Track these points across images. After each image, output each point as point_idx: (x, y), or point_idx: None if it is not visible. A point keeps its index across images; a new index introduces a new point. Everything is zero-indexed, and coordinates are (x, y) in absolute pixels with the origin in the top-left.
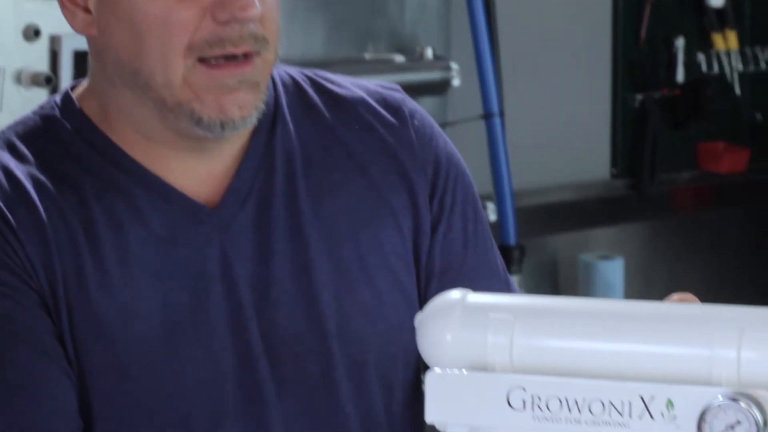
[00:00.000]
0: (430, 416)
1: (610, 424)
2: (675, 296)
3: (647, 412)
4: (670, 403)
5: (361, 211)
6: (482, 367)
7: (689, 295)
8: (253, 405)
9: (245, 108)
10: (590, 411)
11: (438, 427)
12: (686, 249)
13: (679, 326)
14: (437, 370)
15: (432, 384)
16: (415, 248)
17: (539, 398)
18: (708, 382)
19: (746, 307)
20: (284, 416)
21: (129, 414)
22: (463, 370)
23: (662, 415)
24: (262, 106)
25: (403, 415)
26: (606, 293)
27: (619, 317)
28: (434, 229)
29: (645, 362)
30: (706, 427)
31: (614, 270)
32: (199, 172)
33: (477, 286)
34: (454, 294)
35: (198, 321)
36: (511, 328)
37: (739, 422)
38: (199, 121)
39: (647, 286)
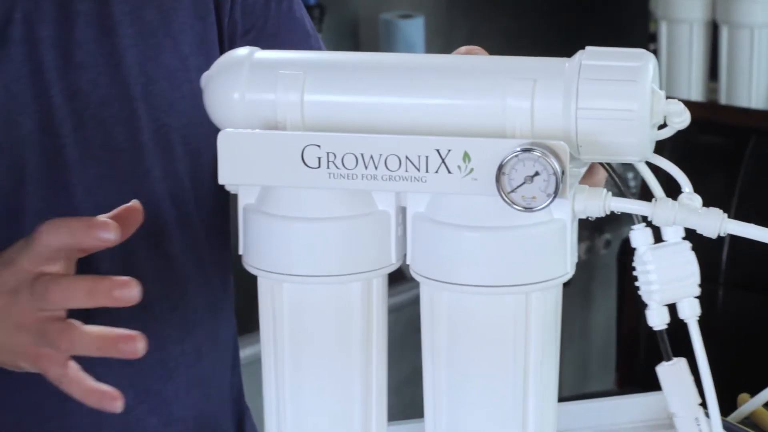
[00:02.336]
0: (223, 177)
1: (406, 179)
2: (462, 49)
3: (444, 166)
4: (466, 156)
5: None
6: (273, 127)
7: (477, 48)
8: (55, 170)
9: None
10: (386, 166)
11: (231, 189)
12: (487, 7)
13: (473, 78)
14: (228, 129)
15: (224, 144)
16: (217, 9)
17: (334, 155)
18: (502, 134)
19: (538, 58)
20: (87, 181)
21: None
22: (257, 130)
23: (459, 168)
24: None
25: (210, 180)
26: (407, 52)
27: (413, 70)
28: None
29: (438, 115)
30: (504, 180)
31: (415, 29)
32: None
33: (282, 46)
34: (241, 51)
35: None
36: (301, 85)
37: (537, 173)
38: None
39: (448, 45)
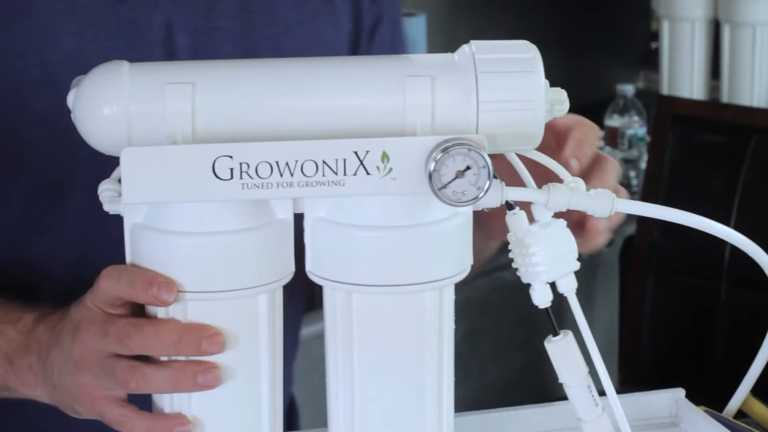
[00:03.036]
0: (128, 196)
1: (324, 184)
2: None
3: (362, 168)
4: (385, 157)
5: (308, 5)
6: (161, 141)
7: None
8: None
9: None
10: (303, 173)
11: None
12: (488, 5)
13: (371, 77)
14: (132, 147)
15: (127, 162)
16: (355, 42)
17: (247, 165)
18: (402, 132)
19: (428, 54)
20: None
21: (56, 161)
22: (166, 145)
23: (378, 169)
24: None
25: None
26: (409, 50)
27: (308, 72)
28: (372, 33)
29: (337, 116)
30: (435, 177)
31: (416, 27)
32: None
33: None
34: (116, 64)
35: None
36: (191, 95)
37: (469, 167)
38: None
39: (450, 43)
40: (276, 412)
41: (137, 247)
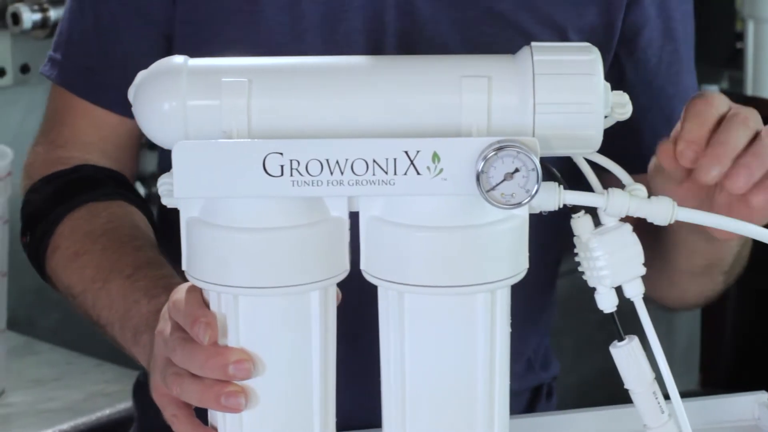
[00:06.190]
0: (180, 191)
1: (374, 183)
2: None
3: (413, 168)
4: (436, 157)
5: None
6: (217, 136)
7: None
8: None
9: None
10: (353, 171)
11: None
12: None
13: (427, 77)
14: (185, 141)
15: (180, 156)
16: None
17: (298, 162)
18: (458, 133)
19: (486, 55)
20: None
21: None
22: (215, 140)
23: (428, 169)
24: None
25: None
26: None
27: (364, 71)
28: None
29: (393, 116)
30: (484, 178)
31: None
32: None
33: (661, 114)
34: (177, 59)
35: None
36: (247, 91)
37: (517, 170)
38: None
39: None
40: (328, 411)
41: (193, 241)
